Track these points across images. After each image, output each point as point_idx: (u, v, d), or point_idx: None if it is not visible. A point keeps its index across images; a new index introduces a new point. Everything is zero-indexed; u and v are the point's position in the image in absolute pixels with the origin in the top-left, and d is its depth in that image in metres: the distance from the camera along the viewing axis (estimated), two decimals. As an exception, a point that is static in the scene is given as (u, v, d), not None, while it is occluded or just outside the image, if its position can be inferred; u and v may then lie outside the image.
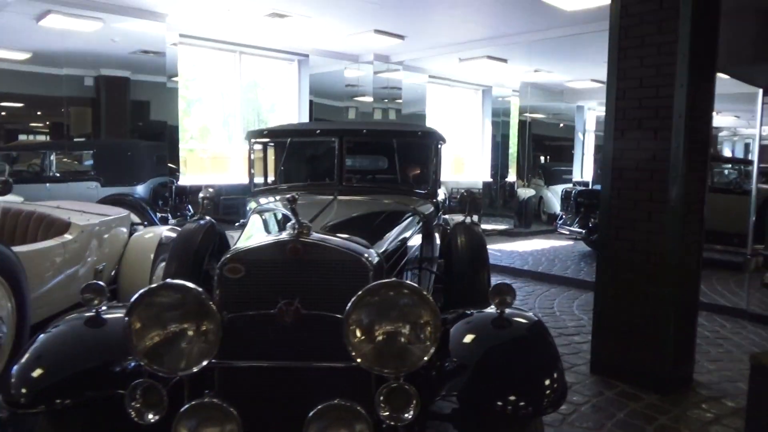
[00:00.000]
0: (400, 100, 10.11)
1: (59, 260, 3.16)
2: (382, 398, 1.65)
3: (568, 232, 9.42)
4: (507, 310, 2.00)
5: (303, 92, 9.10)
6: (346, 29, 7.53)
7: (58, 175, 8.55)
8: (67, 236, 3.29)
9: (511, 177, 13.06)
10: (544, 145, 12.89)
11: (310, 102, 9.90)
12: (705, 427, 3.31)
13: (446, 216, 5.50)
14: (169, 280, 1.77)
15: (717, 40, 3.77)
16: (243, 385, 1.85)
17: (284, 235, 1.86)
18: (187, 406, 1.62)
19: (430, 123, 11.43)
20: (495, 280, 7.35)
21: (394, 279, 1.73)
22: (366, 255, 1.92)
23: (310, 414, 1.59)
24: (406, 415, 1.65)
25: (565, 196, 9.73)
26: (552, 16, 6.77)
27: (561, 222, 9.70)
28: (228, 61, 8.52)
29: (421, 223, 3.13)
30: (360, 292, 1.67)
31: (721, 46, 3.87)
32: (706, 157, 3.83)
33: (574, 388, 3.83)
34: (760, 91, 5.52)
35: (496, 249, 10.08)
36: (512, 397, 1.68)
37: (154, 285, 1.69)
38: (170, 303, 1.70)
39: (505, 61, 9.14)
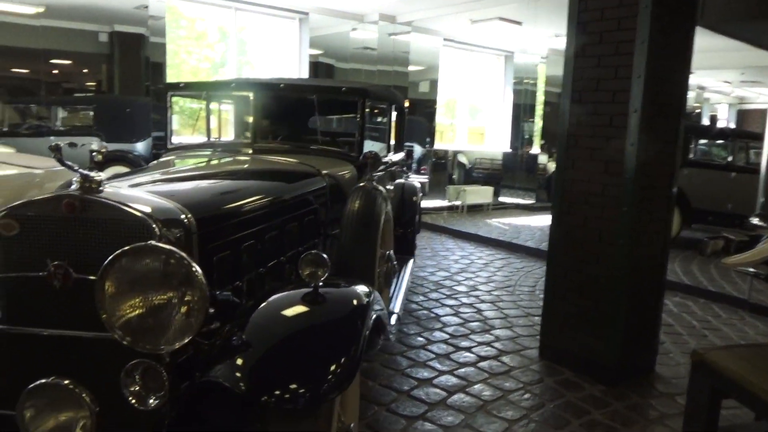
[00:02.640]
0: (415, 66, 9.71)
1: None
2: (125, 376, 1.44)
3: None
4: (332, 287, 1.75)
5: (303, 52, 8.81)
6: (340, -16, 7.17)
7: (61, 129, 8.66)
8: (-26, 188, 3.21)
9: (536, 149, 12.49)
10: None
11: (324, 64, 9.62)
12: (643, 427, 2.97)
13: (411, 181, 5.22)
14: None
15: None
16: (10, 353, 1.68)
17: (68, 190, 1.65)
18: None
19: (444, 89, 10.94)
20: (489, 253, 7.09)
21: (152, 243, 1.49)
22: (166, 215, 1.69)
23: (27, 389, 1.40)
24: (152, 401, 1.44)
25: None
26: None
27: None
28: (224, 18, 8.31)
29: (327, 187, 2.87)
30: (113, 255, 1.46)
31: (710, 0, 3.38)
32: (677, 125, 3.38)
33: (512, 373, 3.53)
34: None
35: (506, 222, 9.68)
36: (278, 391, 1.44)
37: None
38: None
39: (519, 23, 8.56)
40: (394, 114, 4.33)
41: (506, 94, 11.63)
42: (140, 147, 8.57)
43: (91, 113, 8.67)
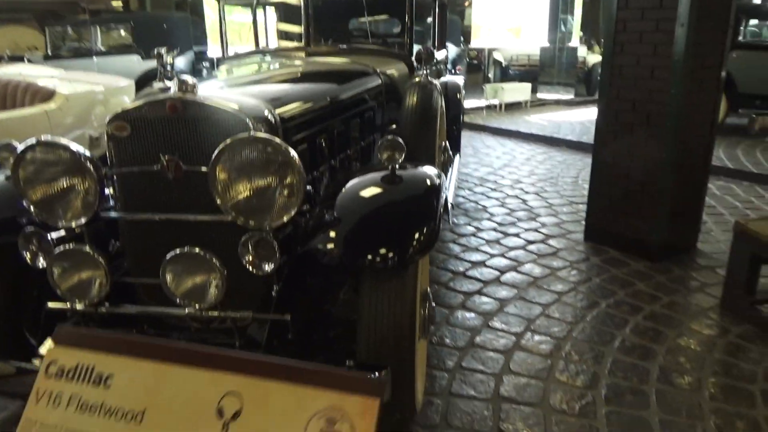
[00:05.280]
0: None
1: (42, 128, 3.33)
2: (242, 247, 1.70)
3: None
4: (405, 169, 1.95)
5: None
6: None
7: (103, 49, 8.80)
8: (51, 105, 3.45)
9: (575, 42, 12.09)
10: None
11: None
12: (684, 295, 3.20)
13: (453, 79, 5.26)
14: (45, 138, 1.82)
15: None
16: (135, 235, 1.96)
17: (169, 94, 1.85)
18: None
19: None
20: (530, 148, 7.18)
21: (253, 133, 1.69)
22: (255, 112, 1.89)
23: (167, 257, 1.68)
24: (266, 266, 1.71)
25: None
26: None
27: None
28: None
29: (382, 85, 3.01)
30: (220, 146, 1.67)
31: None
32: (729, 4, 3.33)
33: (559, 254, 3.77)
34: None
35: (545, 118, 9.63)
36: (370, 255, 1.68)
37: (32, 141, 1.76)
38: (51, 159, 1.78)
39: None
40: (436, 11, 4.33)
41: (544, -16, 11.14)
42: (180, 62, 8.68)
43: (128, 32, 8.74)
